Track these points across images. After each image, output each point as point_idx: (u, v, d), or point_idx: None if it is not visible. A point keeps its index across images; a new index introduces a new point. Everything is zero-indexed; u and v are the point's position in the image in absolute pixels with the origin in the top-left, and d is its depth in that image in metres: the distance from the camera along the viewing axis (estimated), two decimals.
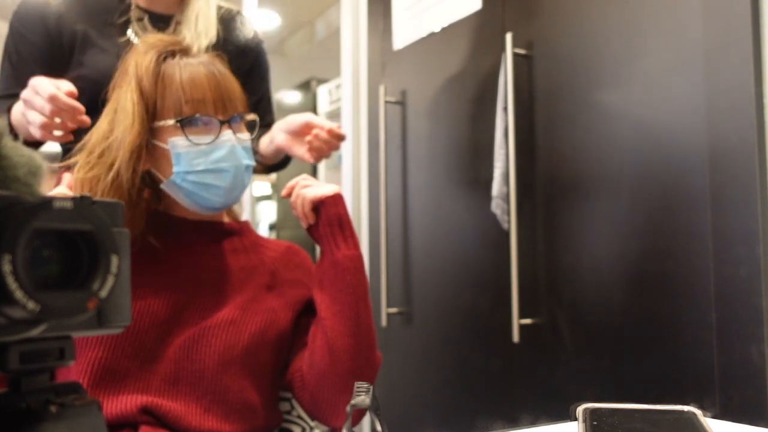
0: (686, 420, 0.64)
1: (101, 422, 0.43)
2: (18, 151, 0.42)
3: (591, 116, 1.41)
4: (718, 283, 1.16)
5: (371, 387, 0.54)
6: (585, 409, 0.66)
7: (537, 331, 1.51)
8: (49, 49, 1.20)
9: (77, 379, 0.85)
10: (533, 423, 0.77)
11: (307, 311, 1.00)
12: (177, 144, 0.90)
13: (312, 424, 1.03)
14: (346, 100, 2.40)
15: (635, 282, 1.31)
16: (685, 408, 0.67)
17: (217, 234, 1.01)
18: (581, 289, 1.42)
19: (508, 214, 1.55)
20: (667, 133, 1.26)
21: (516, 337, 1.50)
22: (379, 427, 0.52)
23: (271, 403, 0.97)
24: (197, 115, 0.90)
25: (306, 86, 3.90)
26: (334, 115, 3.50)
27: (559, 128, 1.49)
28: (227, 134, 0.92)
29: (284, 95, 4.19)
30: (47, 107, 0.94)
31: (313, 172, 3.74)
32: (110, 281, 0.41)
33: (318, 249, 0.99)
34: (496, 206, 1.60)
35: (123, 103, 0.90)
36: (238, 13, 1.34)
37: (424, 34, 1.94)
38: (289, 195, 0.98)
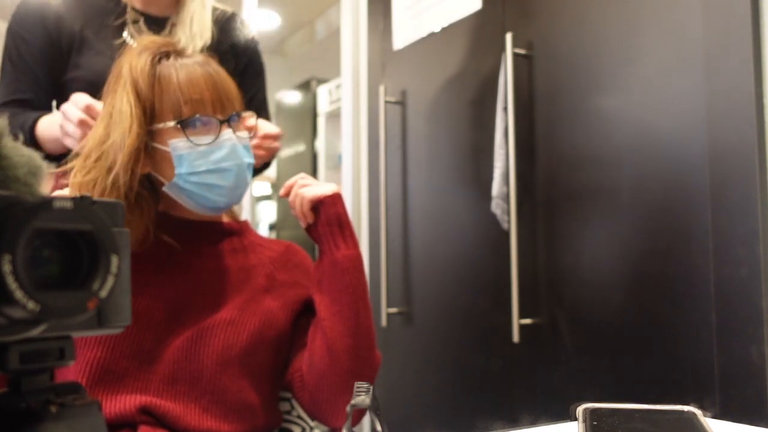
0: (686, 420, 0.64)
1: (101, 422, 0.43)
2: (18, 151, 0.42)
3: (591, 116, 1.41)
4: (718, 283, 1.16)
5: (371, 387, 0.54)
6: (585, 409, 0.66)
7: (537, 331, 1.51)
8: (49, 50, 1.20)
9: (75, 379, 0.85)
10: (533, 423, 0.77)
11: (306, 311, 1.00)
12: (178, 146, 0.90)
13: (312, 424, 1.03)
14: (346, 100, 2.40)
15: (635, 282, 1.31)
16: (685, 408, 0.67)
17: (217, 234, 1.01)
18: (581, 289, 1.42)
19: (508, 214, 1.55)
20: (667, 133, 1.26)
21: (516, 337, 1.50)
22: (379, 427, 0.52)
23: (270, 403, 0.97)
24: (197, 116, 0.90)
25: (306, 86, 3.90)
26: (334, 115, 3.50)
27: (559, 128, 1.49)
28: (227, 133, 0.92)
29: (284, 95, 4.19)
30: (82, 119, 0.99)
31: (313, 172, 3.74)
32: (110, 281, 0.41)
33: (317, 248, 0.99)
34: (496, 206, 1.60)
35: (119, 106, 0.89)
36: (234, 14, 1.34)
37: (424, 34, 1.94)
38: (288, 194, 0.98)
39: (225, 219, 1.05)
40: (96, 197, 0.84)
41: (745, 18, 1.14)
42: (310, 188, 0.96)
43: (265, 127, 1.17)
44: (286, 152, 4.07)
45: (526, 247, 1.53)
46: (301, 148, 3.93)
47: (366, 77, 2.27)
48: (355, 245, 0.96)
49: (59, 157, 1.12)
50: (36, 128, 1.14)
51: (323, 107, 3.67)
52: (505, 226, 1.58)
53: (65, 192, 0.92)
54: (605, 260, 1.37)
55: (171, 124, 0.90)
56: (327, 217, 0.95)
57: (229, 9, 1.34)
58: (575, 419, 0.65)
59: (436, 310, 1.87)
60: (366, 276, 0.97)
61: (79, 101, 1.00)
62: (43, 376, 0.42)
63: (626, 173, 1.33)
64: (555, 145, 1.50)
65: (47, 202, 0.39)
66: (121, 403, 0.85)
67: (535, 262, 1.52)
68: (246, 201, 2.78)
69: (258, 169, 1.30)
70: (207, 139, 0.90)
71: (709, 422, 0.64)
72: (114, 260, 0.42)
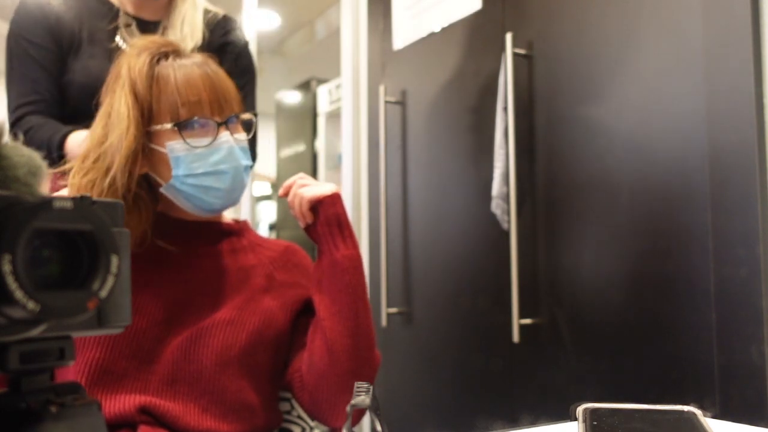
0: (686, 420, 0.64)
1: (101, 422, 0.43)
2: (18, 151, 0.42)
3: (591, 116, 1.41)
4: (718, 283, 1.16)
5: (371, 387, 0.54)
6: (585, 409, 0.66)
7: (537, 331, 1.51)
8: (55, 50, 1.20)
9: (75, 379, 0.85)
10: (533, 423, 0.77)
11: (305, 311, 1.00)
12: (175, 148, 0.89)
13: (312, 424, 1.03)
14: (346, 100, 2.40)
15: (635, 282, 1.31)
16: (685, 408, 0.67)
17: (216, 234, 1.01)
18: (581, 289, 1.42)
19: (508, 214, 1.55)
20: (667, 133, 1.26)
21: (516, 337, 1.50)
22: (379, 427, 0.52)
23: (270, 404, 0.97)
24: (195, 118, 0.90)
25: (306, 86, 3.90)
26: (334, 115, 3.50)
27: (559, 128, 1.49)
28: (225, 136, 0.91)
29: (284, 95, 4.19)
30: None
31: (313, 172, 3.74)
32: (110, 281, 0.41)
33: (317, 249, 0.99)
34: (496, 206, 1.60)
35: (117, 107, 0.89)
36: (225, 16, 1.34)
37: (424, 34, 1.94)
38: (287, 194, 0.98)
39: (224, 219, 1.04)
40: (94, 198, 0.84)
41: (745, 18, 1.14)
42: (309, 188, 0.96)
43: None
44: (286, 152, 4.07)
45: (526, 247, 1.53)
46: (301, 148, 3.93)
47: (366, 77, 2.27)
48: (355, 245, 0.96)
49: (58, 158, 1.12)
50: (66, 144, 1.13)
51: (323, 107, 3.67)
52: (505, 226, 1.58)
53: (64, 193, 0.92)
54: (605, 260, 1.37)
55: (168, 126, 0.89)
56: (326, 217, 0.95)
57: (220, 11, 1.34)
58: (575, 419, 0.65)
59: (436, 310, 1.87)
60: (366, 276, 0.96)
61: None
62: (43, 376, 0.42)
63: (626, 173, 1.33)
64: (555, 145, 1.50)
65: (47, 202, 0.39)
66: (121, 403, 0.85)
67: (535, 262, 1.52)
68: (246, 201, 2.78)
69: None
70: (204, 141, 0.90)
71: (709, 422, 0.64)
72: (114, 260, 0.42)
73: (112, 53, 1.19)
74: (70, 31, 1.20)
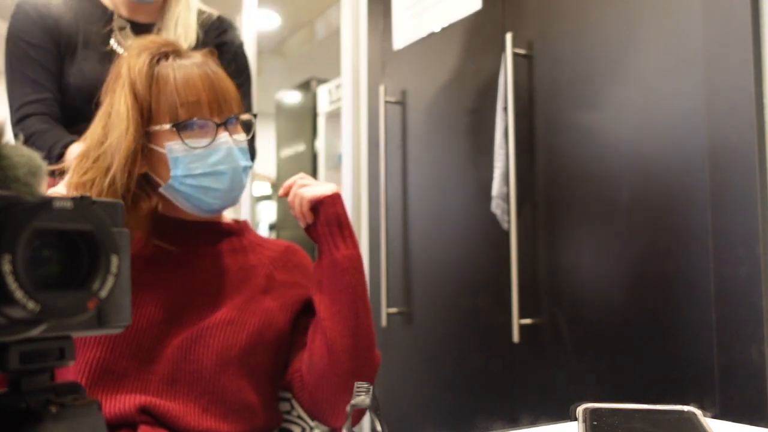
0: (686, 420, 0.64)
1: (101, 422, 0.43)
2: (18, 151, 0.42)
3: (591, 116, 1.41)
4: (718, 283, 1.16)
5: (371, 387, 0.54)
6: (585, 409, 0.66)
7: (537, 331, 1.51)
8: (54, 50, 1.20)
9: (75, 379, 0.85)
10: (533, 423, 0.77)
11: (305, 311, 1.00)
12: (174, 148, 0.90)
13: (312, 424, 1.03)
14: (346, 100, 2.40)
15: (635, 282, 1.31)
16: (685, 408, 0.67)
17: (216, 234, 1.01)
18: (581, 289, 1.42)
19: (508, 214, 1.55)
20: (667, 133, 1.26)
21: (516, 337, 1.50)
22: (379, 427, 0.52)
23: (270, 404, 0.97)
24: (194, 119, 0.90)
25: (306, 86, 3.90)
26: (334, 115, 3.50)
27: (559, 128, 1.49)
28: (223, 136, 0.91)
29: (284, 95, 4.19)
30: None
31: (313, 172, 3.74)
32: (110, 281, 0.41)
33: (317, 249, 0.99)
34: (496, 206, 1.60)
35: (117, 107, 0.89)
36: (220, 17, 1.35)
37: (424, 34, 1.94)
38: (287, 194, 0.98)
39: (224, 219, 1.04)
40: (94, 198, 0.84)
41: (745, 18, 1.14)
42: (309, 188, 0.96)
43: None
44: (286, 152, 4.07)
45: (526, 247, 1.53)
46: (301, 148, 3.93)
47: (366, 77, 2.27)
48: (355, 245, 0.96)
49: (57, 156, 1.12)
50: (66, 155, 1.13)
51: (323, 107, 3.67)
52: (505, 226, 1.58)
53: (60, 189, 0.92)
54: (605, 260, 1.37)
55: (167, 126, 0.89)
56: (326, 217, 0.95)
57: (215, 12, 1.35)
58: (575, 419, 0.65)
59: (436, 310, 1.87)
60: (366, 276, 0.96)
61: None
62: (43, 376, 0.42)
63: (626, 173, 1.33)
64: (555, 145, 1.50)
65: (47, 202, 0.39)
66: (121, 402, 0.85)
67: (535, 262, 1.52)
68: (246, 201, 2.78)
69: None
70: (203, 142, 0.90)
71: (709, 422, 0.64)
72: (114, 260, 0.42)
73: (106, 56, 1.19)
74: (67, 34, 1.21)
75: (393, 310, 1.99)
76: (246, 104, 1.32)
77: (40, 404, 0.41)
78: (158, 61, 0.92)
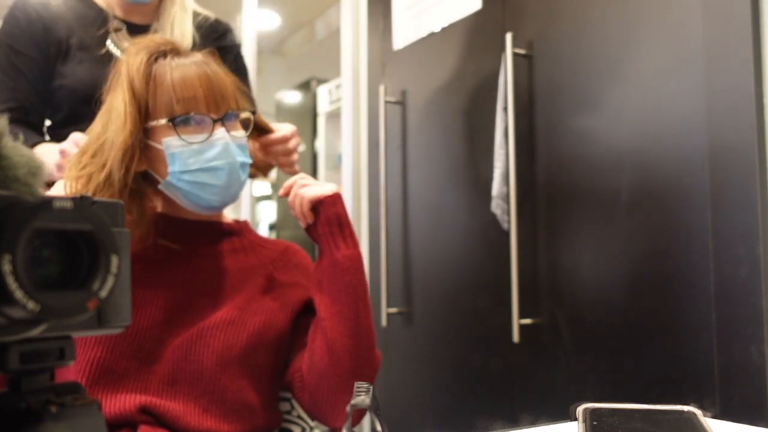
0: (686, 420, 0.64)
1: (101, 422, 0.43)
2: (18, 151, 0.42)
3: (591, 116, 1.41)
4: (718, 283, 1.16)
5: (371, 387, 0.54)
6: (585, 409, 0.66)
7: (537, 331, 1.51)
8: (40, 58, 1.21)
9: (75, 378, 0.85)
10: (533, 423, 0.77)
11: (306, 311, 1.00)
12: (171, 144, 0.90)
13: (312, 424, 1.03)
14: (346, 100, 2.40)
15: (635, 282, 1.31)
16: (685, 408, 0.67)
17: (216, 234, 1.01)
18: (581, 289, 1.42)
19: (508, 214, 1.55)
20: (667, 133, 1.26)
21: (516, 337, 1.50)
22: (379, 427, 0.52)
23: (270, 404, 0.97)
24: (191, 114, 0.90)
25: (306, 86, 3.90)
26: (334, 115, 3.50)
27: (559, 128, 1.49)
28: (220, 132, 0.91)
29: (284, 95, 4.19)
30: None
31: (313, 172, 3.74)
32: (110, 281, 0.41)
33: (317, 248, 0.99)
34: (496, 206, 1.60)
35: (115, 104, 0.91)
36: (217, 20, 1.35)
37: (424, 34, 1.94)
38: (287, 194, 0.98)
39: (225, 219, 1.05)
40: (90, 192, 0.85)
41: (745, 18, 1.14)
42: (309, 188, 0.96)
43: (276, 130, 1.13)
44: None
45: (526, 247, 1.53)
46: (301, 148, 3.92)
47: (366, 77, 2.27)
48: (355, 245, 0.96)
49: None
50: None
51: (323, 107, 3.67)
52: (505, 226, 1.58)
53: (59, 185, 0.93)
54: (605, 260, 1.37)
55: (163, 121, 0.90)
56: (327, 217, 0.95)
57: (211, 14, 1.35)
58: (575, 419, 0.65)
59: (436, 310, 1.87)
60: (366, 276, 0.96)
61: (78, 140, 1.00)
62: (43, 376, 0.42)
63: (626, 173, 1.33)
64: (555, 145, 1.50)
65: (47, 202, 0.39)
66: (121, 402, 0.85)
67: (535, 262, 1.52)
68: (246, 201, 2.78)
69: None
70: (199, 137, 0.90)
71: (709, 422, 0.64)
72: (114, 260, 0.42)
73: (102, 58, 1.20)
74: (57, 39, 1.22)
75: (393, 310, 1.99)
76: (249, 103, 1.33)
77: (40, 404, 0.41)
78: (156, 59, 0.93)
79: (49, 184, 0.98)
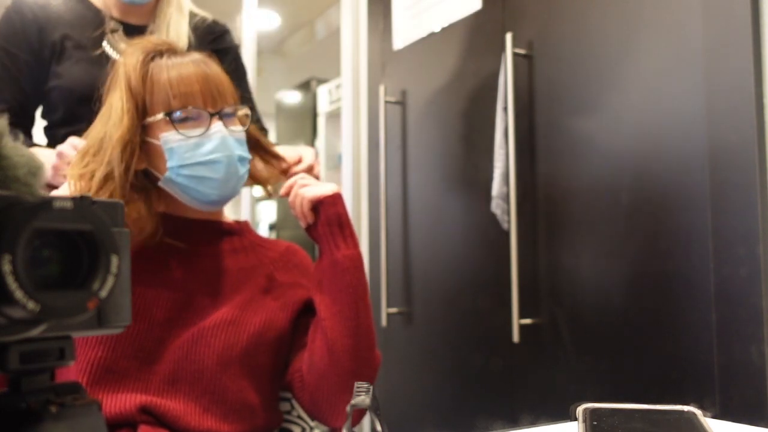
0: (686, 420, 0.64)
1: (101, 422, 0.43)
2: (18, 151, 0.42)
3: (591, 116, 1.41)
4: (718, 283, 1.16)
5: (371, 387, 0.54)
6: (585, 409, 0.66)
7: (537, 331, 1.51)
8: (33, 60, 1.22)
9: (76, 378, 0.85)
10: (533, 423, 0.77)
11: (306, 311, 1.00)
12: (168, 139, 0.90)
13: (312, 424, 1.03)
14: (346, 100, 2.40)
15: (635, 282, 1.31)
16: (685, 408, 0.67)
17: (217, 234, 1.01)
18: (581, 289, 1.42)
19: (508, 214, 1.55)
20: (667, 133, 1.26)
21: (516, 337, 1.50)
22: (379, 427, 0.52)
23: (270, 404, 0.97)
24: (188, 108, 0.90)
25: (306, 86, 3.90)
26: (334, 115, 3.50)
27: (559, 128, 1.49)
28: (217, 126, 0.92)
29: (284, 95, 4.18)
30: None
31: None
32: (110, 281, 0.41)
33: (317, 248, 0.99)
34: (496, 206, 1.60)
35: (113, 104, 0.92)
36: (214, 21, 1.35)
37: (424, 34, 1.94)
38: (288, 194, 0.98)
39: (225, 219, 1.05)
40: (92, 190, 0.85)
41: (745, 18, 1.14)
42: (310, 188, 0.96)
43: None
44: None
45: (526, 247, 1.53)
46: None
47: (366, 77, 2.27)
48: (355, 245, 0.96)
49: None
50: None
51: (323, 107, 3.67)
52: (505, 226, 1.58)
53: (64, 187, 0.93)
54: (605, 260, 1.37)
55: (161, 116, 0.90)
56: (327, 217, 0.95)
57: (209, 16, 1.35)
58: (575, 419, 0.65)
59: (436, 310, 1.87)
60: (366, 276, 0.96)
61: (76, 144, 1.00)
62: (43, 376, 0.42)
63: (626, 173, 1.33)
64: (555, 145, 1.50)
65: (47, 202, 0.39)
66: (122, 402, 0.85)
67: (535, 262, 1.52)
68: (246, 201, 2.78)
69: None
70: (197, 131, 0.91)
71: (709, 422, 0.64)
72: (114, 260, 0.42)
73: (99, 59, 1.20)
74: (52, 40, 1.22)
75: (393, 310, 1.99)
76: (252, 111, 1.33)
77: (40, 404, 0.41)
78: (153, 58, 0.93)
79: (51, 187, 0.99)
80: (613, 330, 1.35)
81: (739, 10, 1.15)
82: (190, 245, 0.97)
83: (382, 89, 2.03)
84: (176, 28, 1.25)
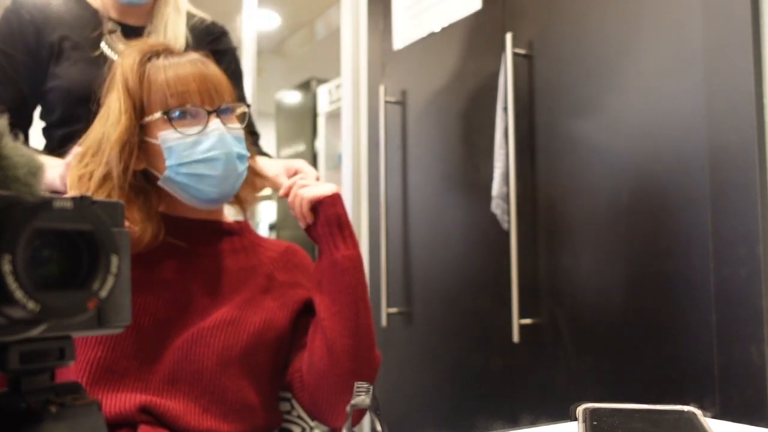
0: (686, 420, 0.64)
1: (101, 422, 0.43)
2: (18, 151, 0.42)
3: (591, 116, 1.41)
4: (718, 283, 1.16)
5: (371, 387, 0.54)
6: (585, 409, 0.66)
7: (537, 331, 1.51)
8: (30, 62, 1.22)
9: (76, 378, 0.85)
10: (533, 423, 0.77)
11: (305, 312, 1.00)
12: (167, 137, 0.90)
13: (312, 424, 1.03)
14: (346, 100, 2.40)
15: (635, 282, 1.31)
16: (685, 408, 0.67)
17: (217, 234, 1.01)
18: (581, 289, 1.42)
19: (508, 214, 1.55)
20: (667, 133, 1.26)
21: (516, 337, 1.50)
22: (379, 427, 0.52)
23: (270, 404, 0.97)
24: (186, 106, 0.90)
25: (306, 86, 3.90)
26: (334, 115, 3.50)
27: (559, 128, 1.49)
28: (215, 123, 0.92)
29: (284, 95, 4.18)
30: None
31: None
32: (110, 281, 0.41)
33: (317, 249, 0.99)
34: (496, 206, 1.60)
35: (111, 104, 0.92)
36: (213, 22, 1.35)
37: (424, 34, 1.94)
38: (287, 195, 0.98)
39: (226, 219, 1.05)
40: (91, 190, 0.85)
41: (745, 18, 1.14)
42: (309, 189, 0.96)
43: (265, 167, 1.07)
44: (286, 152, 4.07)
45: (526, 247, 1.53)
46: (301, 148, 3.93)
47: (366, 77, 2.27)
48: (355, 245, 0.96)
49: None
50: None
51: (323, 107, 3.67)
52: (505, 226, 1.58)
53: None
54: (605, 260, 1.37)
55: (158, 115, 0.90)
56: (326, 217, 0.95)
57: (207, 17, 1.34)
58: (575, 419, 0.65)
59: (436, 310, 1.87)
60: (366, 276, 0.96)
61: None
62: (43, 376, 0.42)
63: (626, 173, 1.33)
64: (555, 145, 1.50)
65: (47, 202, 0.39)
66: (121, 402, 0.85)
67: (535, 262, 1.52)
68: None
69: None
70: (195, 129, 0.91)
71: (709, 422, 0.64)
72: (114, 260, 0.42)
73: (97, 59, 1.20)
74: (50, 41, 1.22)
75: (393, 310, 1.99)
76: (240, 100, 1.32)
77: (40, 404, 0.41)
78: (150, 59, 0.94)
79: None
80: (613, 330, 1.35)
81: (739, 10, 1.15)
82: (190, 245, 0.97)
83: (382, 89, 2.03)
84: (174, 28, 1.25)
